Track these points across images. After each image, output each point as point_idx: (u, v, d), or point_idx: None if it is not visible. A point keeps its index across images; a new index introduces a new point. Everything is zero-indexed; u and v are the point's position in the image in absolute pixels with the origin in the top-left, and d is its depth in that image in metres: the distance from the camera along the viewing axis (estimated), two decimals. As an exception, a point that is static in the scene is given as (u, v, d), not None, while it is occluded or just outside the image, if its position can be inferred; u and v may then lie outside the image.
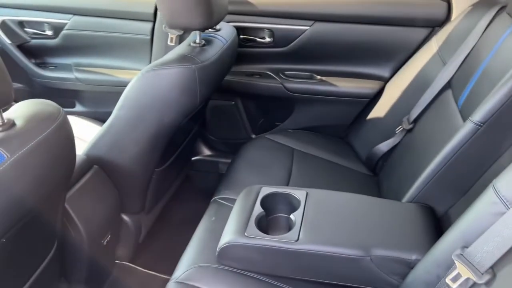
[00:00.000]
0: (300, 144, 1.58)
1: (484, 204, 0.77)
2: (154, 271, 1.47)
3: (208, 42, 1.30)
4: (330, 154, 1.56)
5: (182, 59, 1.16)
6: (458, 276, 0.76)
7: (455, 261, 0.77)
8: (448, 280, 0.78)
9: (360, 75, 1.69)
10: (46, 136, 0.76)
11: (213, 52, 1.25)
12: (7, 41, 1.84)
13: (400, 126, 1.40)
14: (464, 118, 1.09)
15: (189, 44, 1.27)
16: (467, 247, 0.76)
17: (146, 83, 1.15)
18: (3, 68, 0.69)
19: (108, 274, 1.40)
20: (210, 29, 1.39)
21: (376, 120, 1.58)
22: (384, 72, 1.66)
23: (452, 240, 0.82)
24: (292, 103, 1.77)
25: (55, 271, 1.08)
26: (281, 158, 1.49)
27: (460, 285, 0.75)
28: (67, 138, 0.84)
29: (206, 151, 1.93)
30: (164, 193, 1.60)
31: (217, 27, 1.42)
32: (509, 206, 0.71)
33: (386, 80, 1.65)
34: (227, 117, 1.85)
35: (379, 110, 1.58)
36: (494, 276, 0.71)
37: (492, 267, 0.72)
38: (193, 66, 1.15)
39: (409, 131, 1.37)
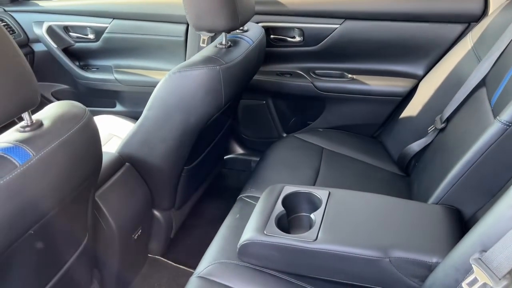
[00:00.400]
0: (330, 143, 1.57)
1: (504, 208, 0.74)
2: (184, 266, 1.52)
3: (234, 43, 1.32)
4: (360, 154, 1.54)
5: (208, 60, 1.19)
6: (475, 281, 0.74)
7: (472, 265, 0.74)
8: (464, 284, 0.76)
9: (393, 73, 1.66)
10: (70, 136, 0.81)
11: (238, 53, 1.27)
12: (53, 45, 1.96)
13: (432, 126, 1.36)
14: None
15: (216, 46, 1.29)
16: (485, 251, 0.74)
17: (172, 84, 1.19)
18: (30, 72, 0.74)
19: (139, 267, 1.46)
20: (237, 30, 1.41)
21: (408, 119, 1.54)
22: (418, 70, 1.62)
23: (471, 244, 0.79)
24: (323, 102, 1.76)
25: (88, 263, 1.14)
26: (310, 157, 1.49)
27: (477, 290, 0.73)
28: (91, 137, 0.89)
29: (239, 150, 1.96)
30: (195, 191, 1.64)
31: (245, 27, 1.44)
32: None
33: (419, 78, 1.60)
34: (258, 116, 1.87)
35: (412, 109, 1.54)
36: (512, 281, 0.69)
37: (510, 273, 0.69)
38: (217, 67, 1.17)
39: (441, 130, 1.33)
